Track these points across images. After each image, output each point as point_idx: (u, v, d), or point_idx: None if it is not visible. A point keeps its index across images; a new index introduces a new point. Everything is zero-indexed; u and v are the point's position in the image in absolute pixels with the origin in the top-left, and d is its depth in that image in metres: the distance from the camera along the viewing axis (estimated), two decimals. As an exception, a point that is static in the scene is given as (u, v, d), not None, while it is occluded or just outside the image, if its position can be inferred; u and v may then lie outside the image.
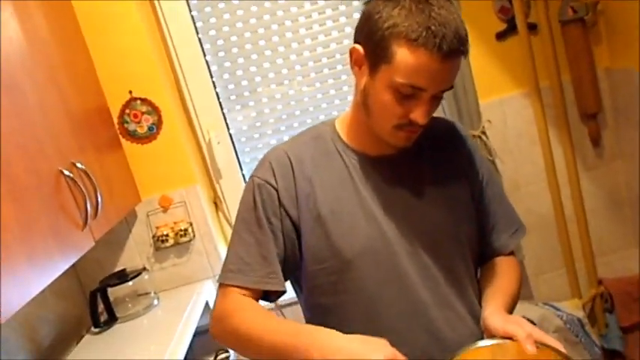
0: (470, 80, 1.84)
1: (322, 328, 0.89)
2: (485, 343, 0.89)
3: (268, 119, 2.07)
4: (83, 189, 1.31)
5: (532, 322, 1.95)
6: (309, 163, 1.02)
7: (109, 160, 1.66)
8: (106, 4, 1.77)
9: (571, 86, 1.95)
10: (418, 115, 0.90)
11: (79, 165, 1.37)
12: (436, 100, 0.93)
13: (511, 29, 1.89)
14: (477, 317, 1.02)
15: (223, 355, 1.83)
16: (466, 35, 0.88)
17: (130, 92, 1.83)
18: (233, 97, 2.06)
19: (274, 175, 1.01)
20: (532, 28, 1.90)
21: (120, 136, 1.84)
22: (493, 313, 0.94)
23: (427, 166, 1.06)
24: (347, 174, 1.02)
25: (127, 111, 1.83)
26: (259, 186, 1.01)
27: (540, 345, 0.84)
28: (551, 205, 2.04)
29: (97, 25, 1.77)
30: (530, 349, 0.83)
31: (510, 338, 0.86)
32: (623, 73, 1.88)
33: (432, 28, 0.83)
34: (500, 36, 1.90)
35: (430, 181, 1.05)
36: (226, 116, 2.06)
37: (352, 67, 0.97)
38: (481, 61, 1.90)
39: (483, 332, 0.95)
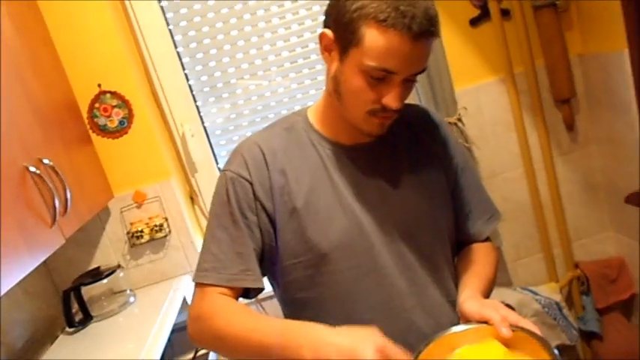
0: (445, 67, 1.83)
1: (309, 323, 0.87)
2: (460, 328, 0.89)
3: (243, 111, 2.04)
4: (50, 185, 1.28)
5: (511, 307, 1.97)
6: (282, 154, 1.00)
7: (78, 156, 1.62)
8: (71, -5, 1.72)
9: (545, 72, 1.95)
10: (391, 100, 0.89)
11: (45, 161, 1.32)
12: (409, 84, 0.91)
13: (484, 15, 1.89)
14: (454, 303, 1.02)
15: (203, 352, 1.81)
16: (436, 16, 0.86)
17: (99, 86, 1.78)
18: (207, 90, 2.02)
19: (247, 168, 0.99)
20: (505, 14, 1.89)
21: (90, 131, 1.79)
22: (469, 298, 0.94)
23: (402, 154, 1.05)
24: (321, 165, 1.00)
25: (97, 105, 1.79)
26: (232, 180, 0.99)
27: (516, 328, 0.83)
28: (527, 191, 2.05)
29: (62, 17, 1.72)
30: (506, 332, 0.83)
31: (486, 322, 0.86)
32: (595, 58, 1.90)
33: (401, 8, 0.82)
34: (474, 22, 1.90)
35: (406, 169, 1.04)
36: (200, 109, 2.02)
37: (322, 53, 0.95)
38: (456, 48, 1.89)
39: (459, 318, 0.95)
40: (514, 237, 2.08)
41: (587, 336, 2.13)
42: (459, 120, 1.87)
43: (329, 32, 0.92)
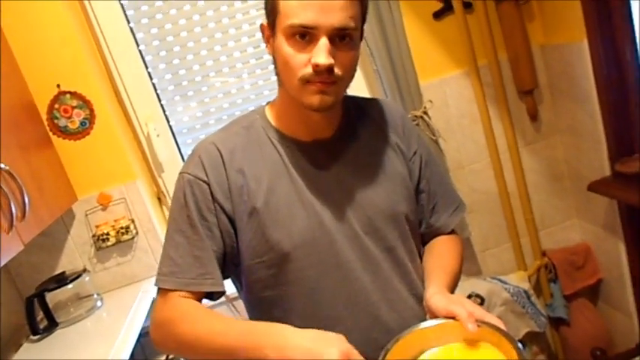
0: (409, 61, 1.83)
1: (275, 324, 0.86)
2: (428, 324, 0.89)
3: (209, 109, 2.02)
4: (6, 190, 1.24)
5: (481, 297, 1.99)
6: (240, 153, 0.99)
7: (37, 159, 1.58)
8: (26, -7, 1.67)
9: (508, 64, 1.98)
10: (316, 55, 0.87)
11: (1, 165, 1.28)
12: (342, 46, 0.89)
13: (447, 8, 1.90)
14: (419, 297, 1.03)
15: (176, 356, 1.79)
16: None
17: (58, 86, 1.74)
18: (171, 88, 1.99)
19: (204, 169, 0.97)
20: (467, 6, 1.91)
21: (50, 133, 1.74)
22: (435, 293, 0.94)
23: (363, 148, 1.04)
24: (280, 162, 0.99)
25: (56, 106, 1.74)
26: (189, 182, 0.97)
27: (482, 323, 0.84)
28: (494, 181, 2.08)
29: (17, 16, 1.67)
30: (472, 327, 0.83)
31: (453, 318, 0.87)
32: (556, 49, 1.92)
33: None
34: (438, 15, 1.91)
35: (367, 163, 1.03)
36: (165, 108, 1.99)
37: (266, 47, 0.96)
38: (420, 42, 1.90)
39: (426, 313, 0.95)
40: (483, 227, 2.11)
41: (556, 322, 2.17)
42: (425, 113, 1.88)
43: (265, 23, 0.95)
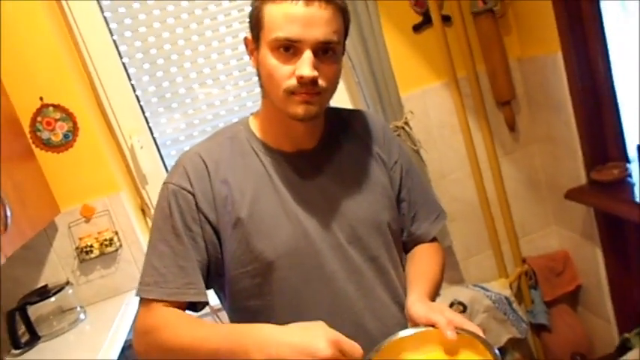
0: (390, 73, 1.87)
1: (255, 325, 0.87)
2: (407, 332, 0.91)
3: (193, 120, 2.03)
4: (-12, 203, 1.24)
5: (463, 305, 2.01)
6: (224, 164, 1.00)
7: (20, 172, 1.57)
8: (8, 4, 1.67)
9: (486, 76, 2.03)
10: (301, 67, 0.89)
11: (-17, 178, 1.28)
12: (326, 59, 0.92)
13: (427, 21, 1.94)
14: (402, 305, 1.04)
15: (160, 365, 1.78)
16: None
17: (41, 99, 1.74)
18: (155, 100, 2.00)
19: (189, 180, 0.98)
20: (446, 20, 1.96)
21: (33, 146, 1.74)
22: (416, 301, 0.96)
23: (345, 159, 1.06)
24: (264, 173, 1.00)
25: (39, 119, 1.74)
26: (174, 192, 0.98)
27: (461, 331, 0.86)
28: (475, 190, 2.11)
29: (-1, 29, 1.67)
30: (451, 335, 0.85)
31: (433, 326, 0.88)
32: (532, 62, 1.98)
33: None
34: (417, 28, 1.95)
35: (349, 174, 1.05)
36: (149, 120, 2.00)
37: (250, 59, 0.99)
38: (400, 54, 1.94)
39: (407, 321, 0.97)
40: (464, 236, 2.14)
41: (537, 328, 2.20)
42: (406, 124, 1.92)
43: (249, 36, 0.97)
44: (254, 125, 1.05)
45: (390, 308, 1.05)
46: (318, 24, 0.89)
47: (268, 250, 0.97)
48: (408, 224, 1.14)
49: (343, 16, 0.94)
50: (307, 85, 0.90)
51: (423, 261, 1.12)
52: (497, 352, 0.80)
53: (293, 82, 0.91)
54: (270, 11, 0.90)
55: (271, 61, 0.91)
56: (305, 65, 0.89)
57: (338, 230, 1.01)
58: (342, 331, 0.99)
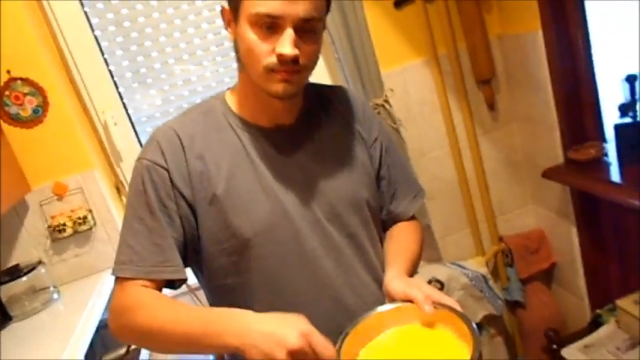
0: (370, 49, 1.84)
1: (233, 310, 0.86)
2: (385, 308, 0.91)
3: (169, 97, 1.98)
4: (-47, 180, 1.19)
5: (440, 282, 2.03)
6: (200, 139, 0.97)
7: (-13, 148, 1.52)
8: (-28, -27, 1.59)
9: (467, 54, 2.01)
10: (282, 46, 0.87)
11: (-53, 154, 1.23)
12: (307, 36, 0.90)
13: (408, -3, 1.92)
14: (380, 282, 1.03)
15: (135, 347, 1.76)
16: None
17: (8, 72, 1.67)
18: (129, 75, 1.94)
19: (163, 155, 0.95)
20: (428, -4, 1.93)
21: (0, 121, 1.68)
22: (393, 278, 0.96)
23: (324, 135, 1.05)
24: (241, 148, 0.98)
25: (7, 93, 1.68)
26: (148, 168, 0.95)
27: (438, 305, 0.86)
28: (454, 169, 2.12)
29: (-38, -2, 1.59)
30: (428, 309, 0.85)
31: (411, 301, 0.88)
32: (513, 39, 1.97)
33: None
34: (398, 4, 1.92)
35: (328, 150, 1.04)
36: (123, 96, 1.94)
37: (227, 30, 0.95)
38: (381, 30, 1.91)
39: (385, 297, 0.97)
40: (443, 214, 2.15)
41: (512, 305, 2.24)
42: (386, 101, 1.90)
43: (226, 6, 0.93)
44: (230, 100, 1.02)
45: (370, 285, 1.05)
46: (300, 0, 0.86)
47: (245, 226, 0.95)
48: (387, 202, 1.14)
49: None
50: (288, 63, 0.88)
51: (401, 239, 1.11)
52: (474, 325, 0.80)
53: (273, 59, 0.88)
54: None
55: (250, 36, 0.88)
56: (286, 43, 0.87)
57: (317, 207, 1.00)
58: (321, 307, 0.99)
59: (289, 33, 0.87)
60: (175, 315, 0.88)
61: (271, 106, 0.98)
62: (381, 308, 0.91)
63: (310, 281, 0.99)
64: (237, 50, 0.94)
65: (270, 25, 0.87)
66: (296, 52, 0.88)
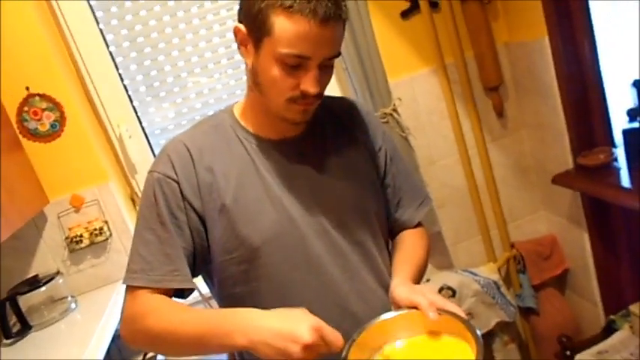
0: (378, 59, 1.87)
1: (239, 309, 0.89)
2: (389, 315, 0.92)
3: (182, 109, 2.03)
4: (-25, 194, 1.23)
5: (452, 289, 2.03)
6: (209, 152, 1.00)
7: (7, 162, 1.56)
8: (-9, -5, 1.65)
9: (474, 61, 2.03)
10: (308, 85, 0.91)
11: (-31, 169, 1.28)
12: (326, 69, 0.94)
13: (414, 7, 1.94)
14: (387, 288, 1.05)
15: (152, 354, 1.80)
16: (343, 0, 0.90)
17: (27, 88, 1.73)
18: (143, 89, 1.99)
19: (174, 168, 0.98)
20: (434, 6, 1.95)
21: (20, 136, 1.73)
22: (398, 284, 0.98)
23: (330, 146, 1.07)
24: (249, 160, 1.01)
25: (26, 108, 1.73)
26: (159, 181, 0.98)
27: (442, 312, 0.88)
28: (464, 176, 2.13)
29: (-17, 18, 1.66)
30: (433, 316, 0.87)
31: (416, 308, 0.90)
32: (520, 47, 1.98)
33: None
34: (405, 14, 1.94)
35: (334, 160, 1.06)
36: (137, 109, 1.99)
37: (239, 48, 0.96)
38: (388, 40, 1.94)
39: (391, 304, 0.99)
40: (453, 221, 2.16)
41: (525, 312, 2.23)
42: (395, 110, 1.92)
43: (242, 26, 0.94)
44: (238, 113, 1.06)
45: (376, 292, 1.06)
46: (329, 41, 0.89)
47: (254, 236, 0.98)
48: (392, 210, 1.16)
49: (344, 23, 0.93)
50: (310, 97, 0.92)
51: (407, 246, 1.13)
52: (478, 333, 0.81)
53: (296, 93, 0.92)
54: (281, 23, 0.87)
55: (275, 71, 0.91)
56: (312, 83, 0.91)
57: (322, 216, 1.02)
58: (329, 314, 1.00)
59: (315, 73, 0.90)
60: (184, 317, 0.91)
61: (279, 121, 1.00)
62: (385, 316, 0.92)
63: (317, 288, 1.01)
64: (253, 74, 0.96)
65: (296, 64, 0.89)
66: (320, 89, 0.92)
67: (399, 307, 0.94)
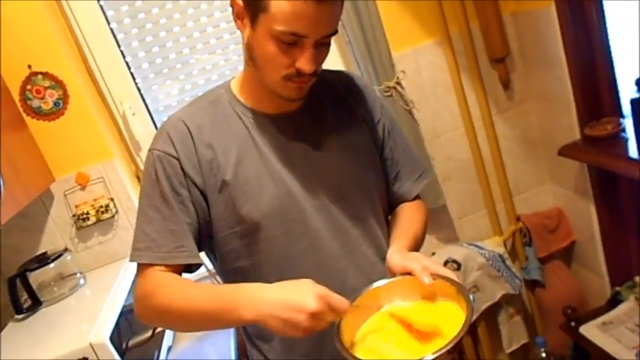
0: (380, 31, 1.84)
1: (244, 284, 0.90)
2: (381, 283, 0.94)
3: (185, 86, 2.02)
4: (-21, 172, 1.25)
5: (457, 262, 2.04)
6: (207, 128, 1.00)
7: (11, 141, 1.57)
8: (-9, -27, 1.64)
9: (479, 32, 1.99)
10: (304, 63, 0.90)
11: (-27, 148, 1.29)
12: (322, 47, 0.93)
13: (418, -22, 1.90)
14: (386, 260, 1.06)
15: (161, 329, 1.83)
16: None
17: (29, 67, 1.72)
18: (145, 66, 1.98)
19: (173, 145, 0.99)
20: (438, -25, 1.91)
21: (23, 114, 1.74)
22: (394, 253, 0.99)
23: (328, 120, 1.07)
24: (247, 135, 1.01)
25: (29, 87, 1.73)
26: (159, 158, 0.99)
27: (436, 277, 0.89)
28: (469, 149, 2.11)
29: (-17, -3, 1.65)
30: (427, 280, 0.88)
31: (410, 274, 0.91)
32: (526, 16, 1.94)
33: None
34: (408, -15, 1.91)
35: (332, 134, 1.06)
36: (140, 86, 1.99)
37: (235, 21, 0.96)
38: (391, 12, 1.90)
39: (387, 273, 0.99)
40: (459, 194, 2.15)
41: (532, 284, 2.24)
42: (398, 84, 1.90)
43: (239, 0, 0.92)
44: (236, 89, 1.05)
45: (377, 265, 1.07)
46: (325, 19, 0.88)
47: (254, 210, 0.99)
48: (390, 183, 1.16)
49: (342, 1, 0.91)
50: (305, 75, 0.92)
51: (404, 218, 1.14)
52: (471, 297, 0.83)
53: (292, 70, 0.91)
54: (278, 1, 0.85)
55: (270, 47, 0.90)
56: (308, 61, 0.90)
57: (322, 190, 1.03)
58: (329, 287, 1.01)
59: (311, 51, 0.90)
60: (190, 294, 0.93)
61: (276, 96, 0.99)
62: (376, 284, 0.94)
63: (317, 262, 1.03)
64: (249, 49, 0.95)
65: (292, 42, 0.88)
66: (315, 67, 0.91)
67: (394, 275, 0.95)
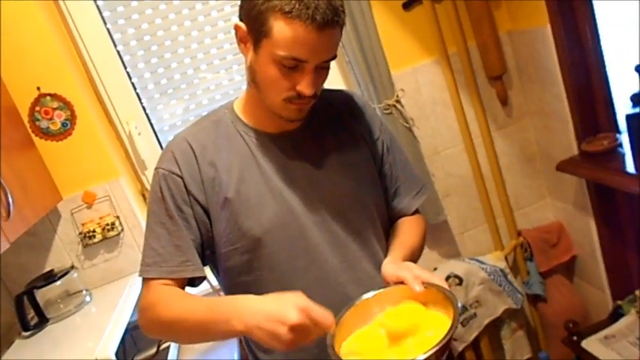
0: (380, 51, 1.88)
1: (236, 296, 0.93)
2: (370, 294, 0.96)
3: (189, 105, 2.06)
4: (-10, 191, 1.28)
5: (459, 277, 2.06)
6: (211, 147, 1.04)
7: (20, 160, 1.62)
8: (2, -2, 1.70)
9: (477, 51, 2.03)
10: (304, 86, 0.94)
11: (-16, 168, 1.33)
12: (322, 70, 0.97)
13: (416, -2, 1.95)
14: (386, 275, 1.08)
15: (165, 346, 1.84)
16: (340, 6, 0.92)
17: (38, 89, 1.77)
18: (151, 87, 2.03)
19: (177, 164, 1.02)
20: (435, -4, 1.96)
21: (32, 135, 1.78)
22: (388, 263, 1.02)
23: (329, 138, 1.10)
24: (249, 154, 1.04)
25: (37, 108, 1.78)
26: (164, 177, 1.03)
27: (428, 285, 0.91)
28: (469, 165, 2.14)
29: (-6, 21, 1.70)
30: (418, 288, 0.90)
31: (403, 283, 0.93)
32: (522, 35, 1.98)
33: (305, 0, 0.87)
34: (407, 5, 1.95)
35: (332, 152, 1.09)
36: (146, 106, 2.03)
37: (239, 45, 1.00)
38: (390, 32, 1.95)
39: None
40: (460, 210, 2.17)
41: (533, 299, 2.25)
42: (398, 102, 1.93)
43: (242, 24, 0.96)
44: (238, 109, 1.09)
45: (376, 279, 1.09)
46: (325, 46, 0.92)
47: (255, 227, 1.02)
48: (390, 199, 1.19)
49: (342, 25, 0.95)
50: (306, 96, 0.95)
51: (402, 231, 1.16)
52: (460, 304, 0.86)
53: (292, 93, 0.95)
54: (280, 27, 0.89)
55: (272, 71, 0.94)
56: (308, 84, 0.94)
57: (321, 206, 1.05)
58: (329, 301, 1.03)
59: (311, 75, 0.94)
60: (189, 306, 0.96)
61: (277, 116, 1.03)
62: (365, 296, 0.96)
63: (317, 277, 1.05)
64: (251, 71, 0.99)
65: (293, 66, 0.92)
66: (315, 90, 0.95)
67: (387, 284, 0.98)
